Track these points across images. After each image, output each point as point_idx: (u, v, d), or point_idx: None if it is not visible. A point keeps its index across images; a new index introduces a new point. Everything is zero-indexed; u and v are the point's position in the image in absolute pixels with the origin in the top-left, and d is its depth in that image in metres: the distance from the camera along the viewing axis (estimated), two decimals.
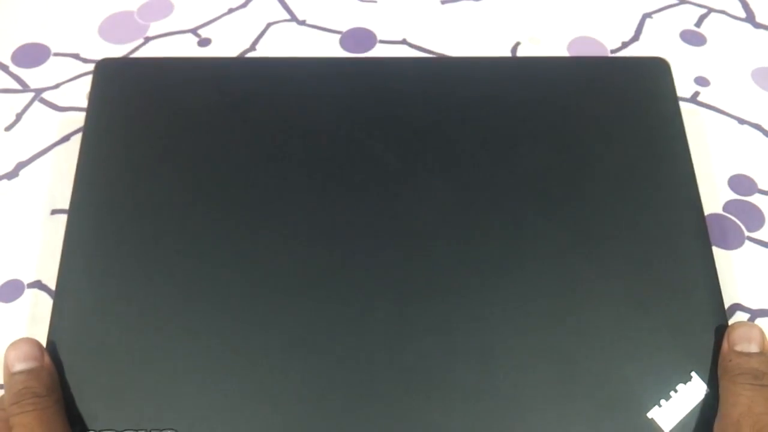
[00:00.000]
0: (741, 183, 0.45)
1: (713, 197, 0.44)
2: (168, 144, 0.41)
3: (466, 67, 0.45)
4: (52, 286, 0.40)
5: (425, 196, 0.39)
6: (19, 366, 0.33)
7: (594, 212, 0.39)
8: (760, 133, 0.47)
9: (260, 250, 0.38)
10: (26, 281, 0.41)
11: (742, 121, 0.47)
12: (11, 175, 0.44)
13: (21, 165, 0.45)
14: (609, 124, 0.42)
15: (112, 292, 0.37)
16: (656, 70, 0.44)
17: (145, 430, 0.34)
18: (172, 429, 0.34)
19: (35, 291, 0.40)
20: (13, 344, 0.34)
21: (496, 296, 0.37)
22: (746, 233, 0.43)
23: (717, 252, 0.42)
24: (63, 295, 0.37)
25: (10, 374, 0.33)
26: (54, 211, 0.43)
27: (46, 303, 0.39)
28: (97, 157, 0.40)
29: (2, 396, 0.34)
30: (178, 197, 0.39)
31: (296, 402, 0.34)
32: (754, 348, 0.35)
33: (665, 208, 0.39)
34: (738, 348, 0.35)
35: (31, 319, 0.39)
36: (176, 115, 0.42)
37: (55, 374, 0.34)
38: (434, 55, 0.50)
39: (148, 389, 0.35)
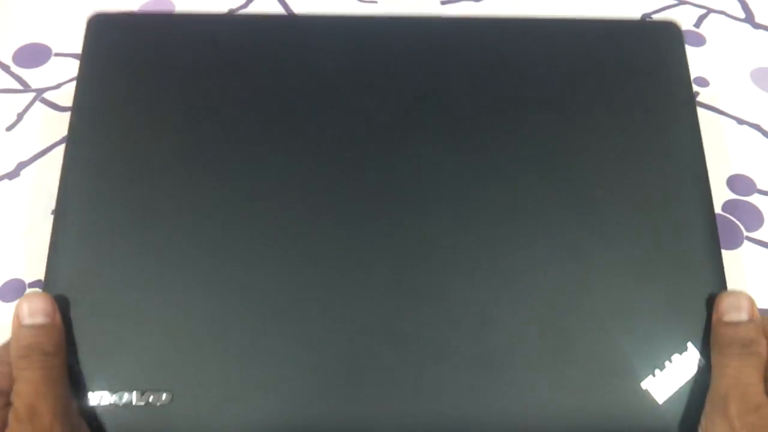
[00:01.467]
0: (740, 183, 0.45)
1: (712, 197, 0.44)
2: (163, 102, 0.40)
3: (471, 27, 0.43)
4: None
5: (425, 161, 0.38)
6: (30, 319, 0.33)
7: (595, 181, 0.38)
8: (759, 134, 0.47)
9: (256, 215, 0.37)
10: (27, 281, 0.41)
11: (741, 122, 0.48)
12: (12, 174, 0.44)
13: (22, 165, 0.45)
14: (616, 88, 0.40)
15: (107, 251, 0.36)
16: (667, 34, 0.42)
17: (140, 391, 0.34)
18: (167, 390, 0.34)
19: (36, 291, 0.40)
20: (27, 296, 0.34)
21: (494, 265, 0.36)
22: (745, 233, 0.43)
23: None
24: (57, 253, 0.36)
25: (19, 325, 0.33)
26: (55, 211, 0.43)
27: None
28: (90, 115, 0.39)
29: (6, 343, 0.33)
30: (177, 163, 0.38)
31: (291, 368, 0.34)
32: (743, 316, 0.34)
33: (669, 177, 0.38)
34: (726, 318, 0.34)
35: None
36: (172, 72, 0.41)
37: (64, 334, 0.34)
38: (438, 16, 0.47)
39: (143, 351, 0.34)
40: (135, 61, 0.41)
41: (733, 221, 0.44)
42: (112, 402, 0.34)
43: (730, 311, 0.34)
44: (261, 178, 0.38)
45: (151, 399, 0.34)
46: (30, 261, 0.41)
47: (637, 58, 0.41)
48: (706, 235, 0.37)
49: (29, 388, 0.31)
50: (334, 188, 0.38)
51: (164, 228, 0.37)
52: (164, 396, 0.34)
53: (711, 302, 0.35)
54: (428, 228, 0.37)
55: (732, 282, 0.41)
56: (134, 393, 0.34)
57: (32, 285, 0.41)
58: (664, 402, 0.34)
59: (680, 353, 0.35)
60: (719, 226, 0.43)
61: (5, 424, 0.31)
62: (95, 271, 0.36)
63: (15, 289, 0.41)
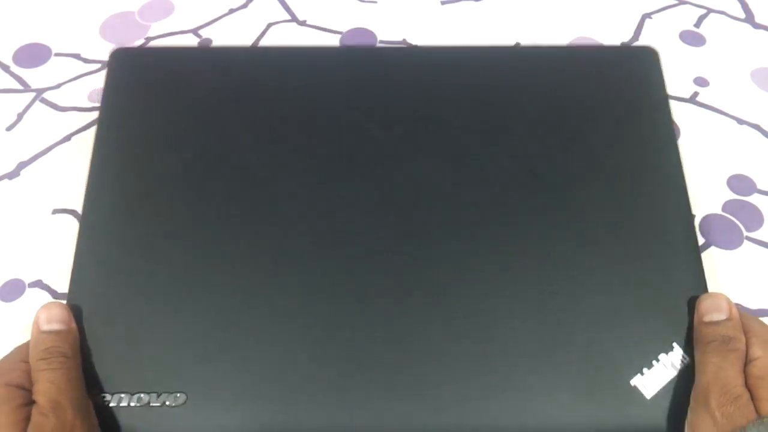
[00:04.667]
0: (740, 183, 0.45)
1: (712, 197, 0.44)
2: (182, 130, 0.43)
3: (459, 57, 0.47)
4: (53, 285, 0.40)
5: (425, 175, 0.41)
6: (48, 326, 0.36)
7: (583, 193, 0.41)
8: (759, 133, 0.47)
9: (264, 228, 0.40)
10: (27, 281, 0.41)
11: (741, 122, 0.48)
12: (12, 174, 0.44)
13: (22, 165, 0.45)
14: (597, 110, 0.44)
15: (126, 264, 0.39)
16: (645, 59, 0.46)
17: (156, 392, 0.35)
18: (181, 392, 0.36)
19: (36, 290, 0.40)
20: (45, 306, 0.36)
21: (490, 270, 0.39)
22: (745, 233, 0.43)
23: (716, 252, 0.42)
24: (82, 262, 0.38)
25: (38, 331, 0.35)
26: (55, 211, 0.43)
27: None
28: (113, 144, 0.42)
29: (24, 345, 0.35)
30: (191, 182, 0.41)
31: (298, 371, 0.36)
32: (722, 316, 0.36)
33: (651, 190, 0.41)
34: (707, 318, 0.36)
35: (32, 318, 0.39)
36: (190, 103, 0.44)
37: (79, 340, 0.36)
38: (432, 46, 0.50)
39: (160, 355, 0.36)
40: (156, 94, 0.44)
41: (733, 221, 0.44)
42: (130, 403, 0.35)
43: (711, 312, 0.36)
44: (268, 192, 0.41)
45: (167, 400, 0.35)
46: (30, 261, 0.41)
47: (617, 82, 0.45)
48: (687, 243, 0.40)
49: (51, 387, 0.33)
50: (338, 202, 0.41)
51: (179, 242, 0.39)
52: (179, 397, 0.35)
53: (693, 304, 0.38)
54: (427, 236, 0.40)
55: (731, 282, 0.41)
56: (151, 394, 0.36)
57: (32, 285, 0.41)
58: (652, 397, 0.36)
59: (666, 352, 0.37)
60: (719, 226, 0.43)
61: (28, 419, 0.32)
62: (115, 282, 0.38)
63: (15, 289, 0.41)
